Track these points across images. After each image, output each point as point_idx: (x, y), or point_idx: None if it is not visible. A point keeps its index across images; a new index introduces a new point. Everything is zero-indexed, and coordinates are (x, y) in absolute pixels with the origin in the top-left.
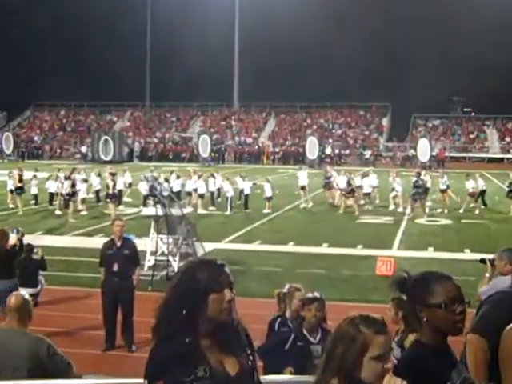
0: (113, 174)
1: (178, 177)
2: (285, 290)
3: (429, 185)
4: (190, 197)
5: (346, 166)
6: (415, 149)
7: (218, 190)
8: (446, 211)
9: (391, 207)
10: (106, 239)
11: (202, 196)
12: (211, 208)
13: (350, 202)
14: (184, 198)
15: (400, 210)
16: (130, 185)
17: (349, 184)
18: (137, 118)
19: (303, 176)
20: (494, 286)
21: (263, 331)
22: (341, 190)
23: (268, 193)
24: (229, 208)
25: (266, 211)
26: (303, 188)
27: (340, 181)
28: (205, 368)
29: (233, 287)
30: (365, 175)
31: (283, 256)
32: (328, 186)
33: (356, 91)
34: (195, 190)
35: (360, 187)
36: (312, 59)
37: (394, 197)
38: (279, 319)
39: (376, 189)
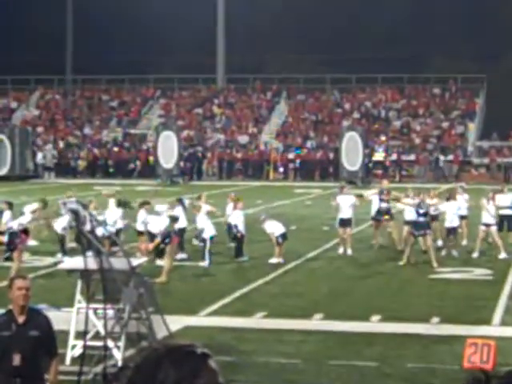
0: (9, 204)
1: (119, 204)
2: None
3: None
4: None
5: (410, 182)
6: None
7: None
8: None
9: (475, 254)
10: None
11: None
12: (180, 255)
13: (428, 242)
14: (133, 241)
15: (503, 256)
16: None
17: (423, 213)
18: (51, 103)
19: (346, 203)
20: None
21: None
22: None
23: (277, 230)
24: (207, 256)
25: (274, 261)
26: (345, 224)
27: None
28: None
29: None
30: (450, 197)
31: (305, 338)
32: (389, 216)
33: (426, 54)
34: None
35: (436, 217)
36: (344, 1)
37: (486, 234)
38: None
39: (465, 221)
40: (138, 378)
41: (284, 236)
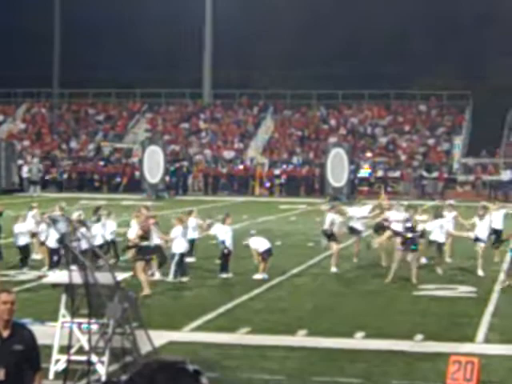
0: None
1: (98, 219)
2: None
3: None
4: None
5: (395, 199)
6: None
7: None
8: None
9: (480, 272)
10: None
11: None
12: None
13: (410, 257)
14: (123, 254)
15: (480, 273)
16: (34, 235)
17: (410, 228)
18: (37, 117)
19: (331, 219)
20: None
21: None
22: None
23: (262, 245)
24: (172, 269)
25: (258, 276)
26: (331, 238)
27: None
28: None
29: None
30: (437, 214)
31: (288, 354)
32: (382, 230)
33: (411, 71)
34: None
35: (423, 234)
36: (332, 18)
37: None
38: None
39: (450, 238)
40: None
41: (269, 252)
